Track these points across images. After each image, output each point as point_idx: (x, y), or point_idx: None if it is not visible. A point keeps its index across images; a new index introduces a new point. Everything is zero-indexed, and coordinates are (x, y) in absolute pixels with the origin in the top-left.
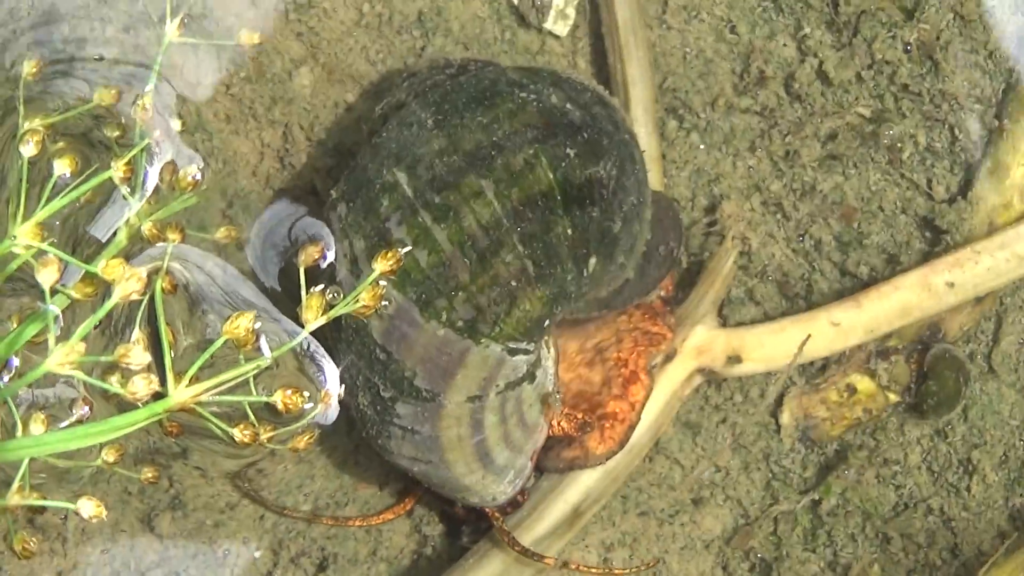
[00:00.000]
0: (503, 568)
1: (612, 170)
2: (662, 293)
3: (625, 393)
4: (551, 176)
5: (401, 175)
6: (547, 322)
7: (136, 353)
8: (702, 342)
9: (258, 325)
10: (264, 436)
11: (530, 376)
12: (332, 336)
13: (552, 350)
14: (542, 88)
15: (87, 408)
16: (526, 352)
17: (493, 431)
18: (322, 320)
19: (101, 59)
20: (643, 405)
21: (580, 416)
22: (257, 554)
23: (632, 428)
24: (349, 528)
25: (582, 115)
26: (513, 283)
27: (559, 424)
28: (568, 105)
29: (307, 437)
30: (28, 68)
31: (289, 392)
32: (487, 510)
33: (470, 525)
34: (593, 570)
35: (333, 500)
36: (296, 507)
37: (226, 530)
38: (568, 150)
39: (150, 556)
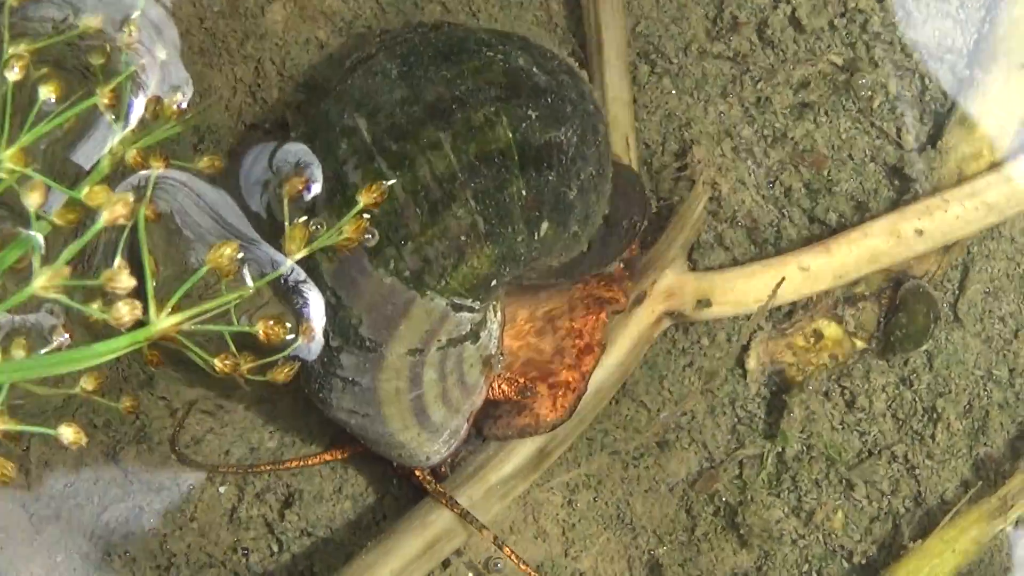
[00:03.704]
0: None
1: (572, 137)
2: (621, 264)
3: (579, 363)
4: (510, 135)
5: (361, 121)
6: (494, 282)
7: (123, 277)
8: (671, 285)
9: (240, 255)
10: (244, 367)
11: (473, 336)
12: None
13: (499, 315)
14: (510, 50)
15: (67, 335)
16: (471, 310)
17: (431, 387)
18: (305, 251)
19: None
20: (591, 373)
21: (522, 380)
22: (222, 489)
23: (581, 397)
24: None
25: (548, 80)
26: (462, 238)
27: (500, 387)
28: (534, 69)
29: (287, 369)
30: None
31: (271, 323)
32: (417, 474)
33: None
34: (521, 566)
35: (299, 437)
36: (261, 443)
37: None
38: (530, 112)
39: (114, 490)
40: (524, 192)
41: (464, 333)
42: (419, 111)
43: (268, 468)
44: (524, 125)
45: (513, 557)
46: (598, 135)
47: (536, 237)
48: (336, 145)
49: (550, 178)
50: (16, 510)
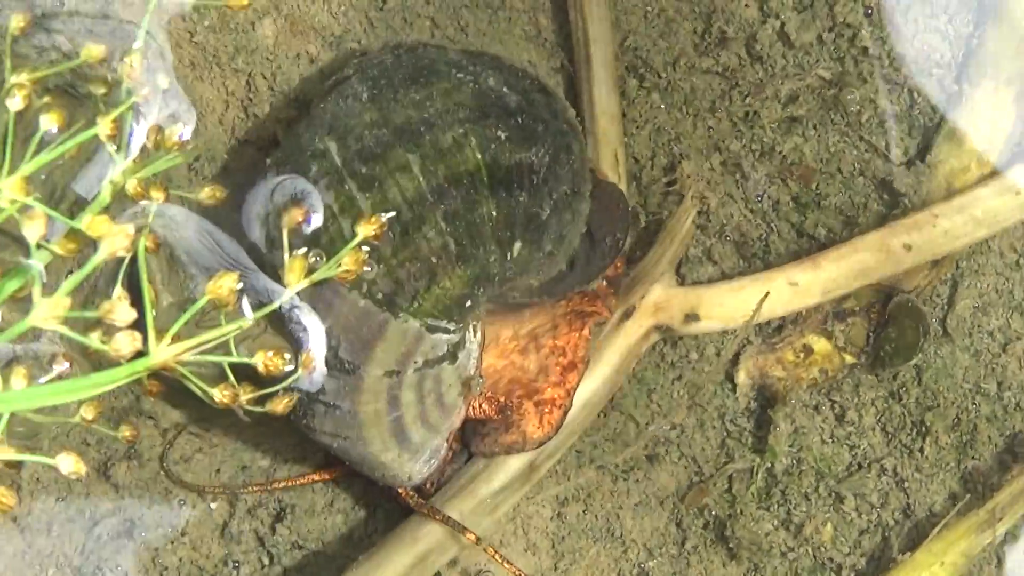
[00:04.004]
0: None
1: (544, 157)
2: (605, 280)
3: (563, 380)
4: (479, 156)
5: (332, 144)
6: (468, 303)
7: (122, 309)
8: (660, 300)
9: (240, 285)
10: (244, 397)
11: (451, 357)
12: None
13: (479, 335)
14: (481, 71)
15: (67, 364)
16: (447, 331)
17: (410, 409)
18: (306, 283)
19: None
20: (575, 390)
21: (502, 399)
22: (213, 505)
23: (566, 413)
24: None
25: (519, 100)
26: (433, 259)
27: (480, 406)
28: (505, 89)
29: (286, 400)
30: (15, 22)
31: (270, 354)
32: (401, 492)
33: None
34: (506, 564)
35: (292, 455)
36: (253, 462)
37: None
38: (499, 132)
39: (105, 505)
40: (495, 213)
41: (441, 355)
42: (387, 134)
43: (257, 489)
44: (493, 146)
45: (497, 557)
46: (572, 154)
47: (509, 257)
48: (307, 168)
49: (521, 198)
50: (7, 524)
